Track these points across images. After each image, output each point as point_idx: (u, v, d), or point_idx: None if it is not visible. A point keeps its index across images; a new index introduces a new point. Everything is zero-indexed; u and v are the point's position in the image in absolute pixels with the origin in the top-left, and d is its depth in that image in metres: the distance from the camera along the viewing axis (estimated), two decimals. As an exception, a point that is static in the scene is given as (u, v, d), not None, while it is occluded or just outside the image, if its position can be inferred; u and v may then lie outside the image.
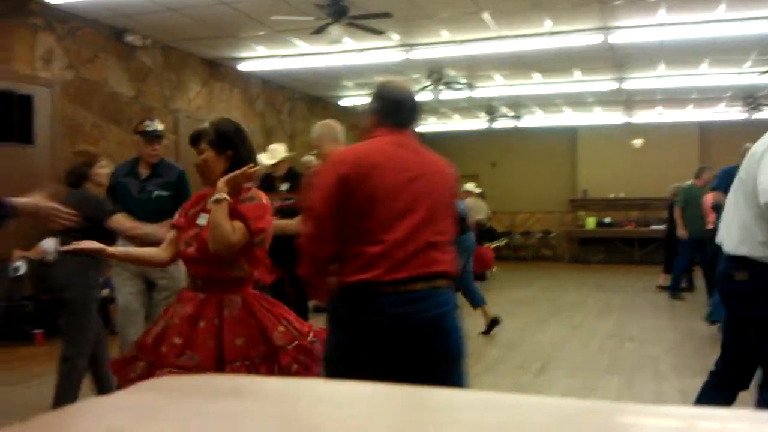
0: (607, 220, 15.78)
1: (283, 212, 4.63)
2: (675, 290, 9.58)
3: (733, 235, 3.13)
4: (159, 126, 4.77)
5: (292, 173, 6.10)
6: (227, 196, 2.66)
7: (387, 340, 2.37)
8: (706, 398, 3.35)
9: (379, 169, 2.39)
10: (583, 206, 16.25)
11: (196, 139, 2.83)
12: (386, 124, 2.55)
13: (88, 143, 7.84)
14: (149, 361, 2.62)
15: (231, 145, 2.80)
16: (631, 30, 8.31)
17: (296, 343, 2.68)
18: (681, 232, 9.32)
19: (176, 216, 2.95)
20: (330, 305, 2.52)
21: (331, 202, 2.39)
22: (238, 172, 2.71)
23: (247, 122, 10.99)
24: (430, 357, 2.41)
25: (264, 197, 2.82)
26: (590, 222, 15.94)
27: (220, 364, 2.54)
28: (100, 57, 8.11)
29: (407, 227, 2.37)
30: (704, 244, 9.15)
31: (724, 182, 7.12)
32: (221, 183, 2.69)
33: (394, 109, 2.56)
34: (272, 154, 7.41)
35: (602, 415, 0.78)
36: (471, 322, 6.50)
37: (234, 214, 2.67)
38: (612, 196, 15.73)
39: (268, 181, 7.27)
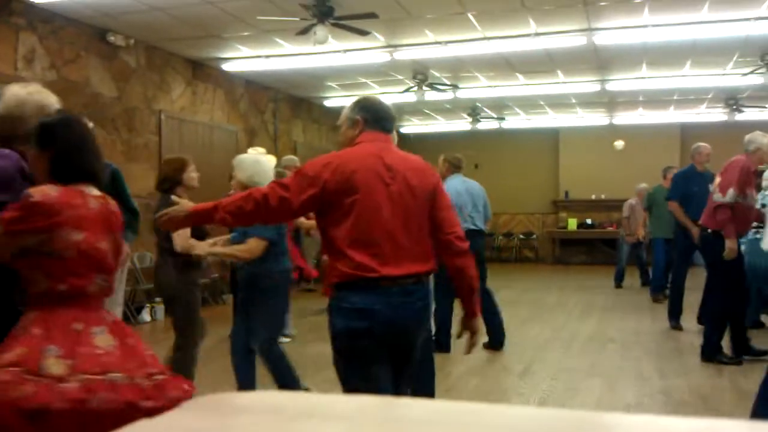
0: (589, 221, 15.90)
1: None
2: (657, 291, 9.50)
3: None
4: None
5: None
6: None
7: (386, 325, 2.59)
8: None
9: (359, 174, 2.58)
10: (565, 207, 16.35)
11: (28, 136, 2.39)
12: (370, 130, 2.76)
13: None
14: None
15: (52, 141, 2.33)
16: (615, 31, 8.37)
17: (84, 378, 2.05)
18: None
19: None
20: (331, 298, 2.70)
21: (315, 183, 2.55)
22: None
23: (231, 123, 10.96)
24: (412, 341, 2.75)
25: (41, 194, 2.21)
26: (572, 223, 16.05)
27: None
28: (82, 57, 8.04)
29: (389, 228, 2.58)
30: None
31: (681, 189, 7.10)
32: None
33: (377, 117, 2.78)
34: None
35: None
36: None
37: None
38: (593, 197, 15.85)
39: None
